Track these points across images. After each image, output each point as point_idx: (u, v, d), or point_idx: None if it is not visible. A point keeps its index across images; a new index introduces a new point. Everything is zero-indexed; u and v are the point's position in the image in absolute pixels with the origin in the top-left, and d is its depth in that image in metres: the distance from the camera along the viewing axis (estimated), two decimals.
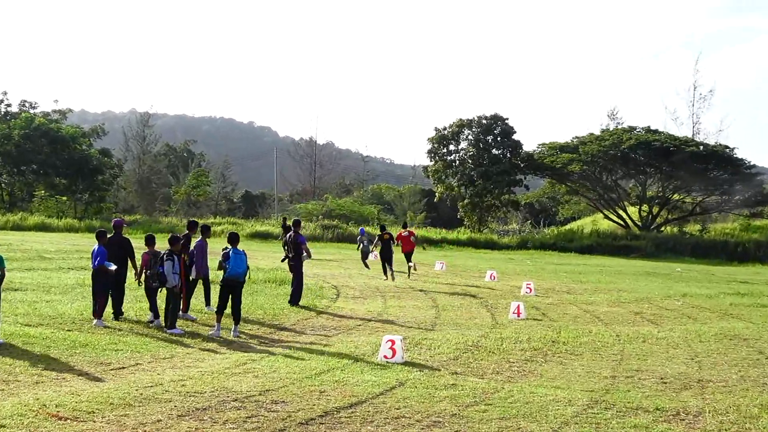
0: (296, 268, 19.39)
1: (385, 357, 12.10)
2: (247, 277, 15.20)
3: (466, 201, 65.19)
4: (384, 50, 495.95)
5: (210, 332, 14.72)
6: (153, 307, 15.53)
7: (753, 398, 10.17)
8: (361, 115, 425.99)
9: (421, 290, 23.36)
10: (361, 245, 31.22)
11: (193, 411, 8.70)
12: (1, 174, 66.49)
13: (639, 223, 62.28)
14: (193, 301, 16.77)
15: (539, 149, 65.76)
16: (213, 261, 16.61)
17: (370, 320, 17.30)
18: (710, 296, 24.17)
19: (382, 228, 27.79)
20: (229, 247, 14.83)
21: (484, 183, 62.90)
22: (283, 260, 19.98)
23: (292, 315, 17.56)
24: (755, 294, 25.16)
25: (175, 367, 11.38)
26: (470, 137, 66.18)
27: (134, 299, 17.56)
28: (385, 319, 17.48)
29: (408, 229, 28.18)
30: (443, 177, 66.93)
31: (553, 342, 14.45)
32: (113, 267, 15.27)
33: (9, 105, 69.99)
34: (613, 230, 61.57)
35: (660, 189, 63.18)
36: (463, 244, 54.33)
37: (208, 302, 17.40)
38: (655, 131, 62.79)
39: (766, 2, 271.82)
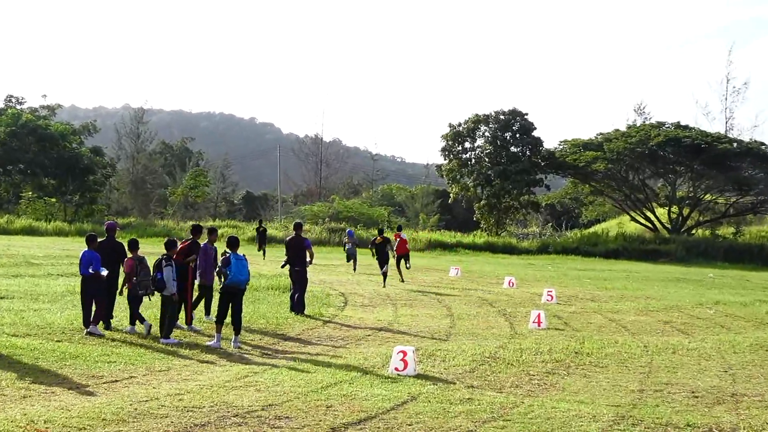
0: (302, 275, 19.34)
1: (397, 369, 12.09)
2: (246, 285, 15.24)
3: (482, 202, 65.18)
4: (395, 40, 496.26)
5: (209, 343, 14.74)
6: (138, 315, 15.53)
7: None
8: (370, 111, 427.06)
9: (435, 297, 23.37)
10: (346, 247, 32.14)
11: (191, 427, 8.71)
12: None
13: (668, 226, 62.17)
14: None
15: (561, 146, 65.76)
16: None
17: (380, 330, 17.31)
18: (745, 304, 24.10)
19: (380, 231, 29.36)
20: (229, 251, 14.83)
21: (502, 183, 62.88)
22: (283, 266, 19.95)
23: (296, 324, 17.57)
24: None
25: (171, 380, 11.39)
26: (487, 134, 66.23)
27: (126, 307, 17.56)
28: (396, 329, 17.48)
29: (401, 234, 29.31)
30: (458, 176, 66.95)
31: (576, 353, 14.42)
32: (105, 272, 15.28)
33: None
34: (641, 233, 61.45)
35: (691, 189, 63.05)
36: (479, 249, 54.35)
37: (208, 311, 17.40)
38: (686, 127, 62.66)
39: None
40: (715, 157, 57.36)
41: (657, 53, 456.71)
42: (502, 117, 65.46)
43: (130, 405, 9.54)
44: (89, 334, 14.83)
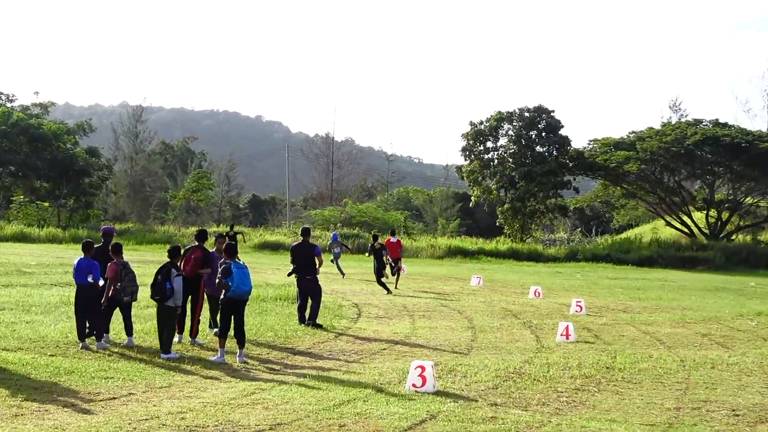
0: (314, 283, 19.36)
1: (414, 386, 12.09)
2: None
3: (506, 206, 65.08)
4: (411, 33, 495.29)
5: (213, 358, 14.78)
6: (102, 328, 15.52)
7: None
8: (385, 108, 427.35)
9: (455, 308, 23.36)
10: (334, 251, 34.57)
11: None
12: None
13: (706, 231, 61.97)
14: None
15: (590, 146, 65.68)
16: None
17: (396, 343, 17.31)
18: None
19: (375, 238, 30.13)
20: (228, 260, 14.83)
21: (527, 185, 62.76)
22: (289, 274, 19.98)
23: (306, 337, 17.60)
24: None
25: (173, 398, 11.43)
26: (511, 133, 66.11)
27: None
28: (413, 342, 17.48)
29: (396, 237, 31.64)
30: (480, 178, 66.87)
31: (607, 368, 14.39)
32: (102, 282, 15.34)
33: None
34: (677, 239, 61.30)
35: (730, 191, 62.85)
36: (503, 256, 54.30)
37: (214, 323, 17.40)
38: (725, 125, 62.44)
39: None
40: (756, 157, 57.12)
41: (693, 46, 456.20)
42: (526, 114, 65.35)
43: (129, 424, 9.58)
44: (84, 348, 14.89)
